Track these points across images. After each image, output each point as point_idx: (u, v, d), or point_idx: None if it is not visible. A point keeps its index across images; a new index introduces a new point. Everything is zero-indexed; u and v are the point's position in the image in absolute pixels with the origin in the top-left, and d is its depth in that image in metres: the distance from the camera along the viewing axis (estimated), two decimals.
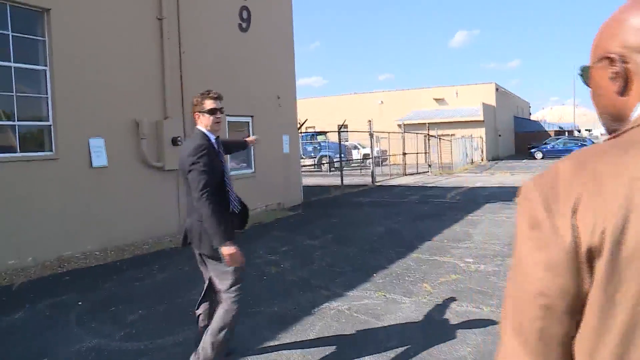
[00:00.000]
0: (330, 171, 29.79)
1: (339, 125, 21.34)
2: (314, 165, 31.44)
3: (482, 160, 40.02)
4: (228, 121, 11.97)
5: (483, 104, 42.19)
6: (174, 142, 10.18)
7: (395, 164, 27.92)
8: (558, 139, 45.41)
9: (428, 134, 29.47)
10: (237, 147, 4.99)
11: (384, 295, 6.12)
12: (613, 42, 1.04)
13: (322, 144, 33.33)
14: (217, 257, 3.81)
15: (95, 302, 6.08)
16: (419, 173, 27.48)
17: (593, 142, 39.77)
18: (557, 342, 0.94)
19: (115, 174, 9.21)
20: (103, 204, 8.97)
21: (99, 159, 8.94)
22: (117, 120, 9.35)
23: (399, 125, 34.85)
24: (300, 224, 11.41)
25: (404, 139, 27.19)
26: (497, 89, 47.01)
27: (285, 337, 4.87)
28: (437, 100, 46.07)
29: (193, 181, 3.73)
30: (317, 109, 44.25)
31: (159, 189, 10.15)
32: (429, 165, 28.89)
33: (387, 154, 28.50)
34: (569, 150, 39.49)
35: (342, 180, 19.74)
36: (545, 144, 44.32)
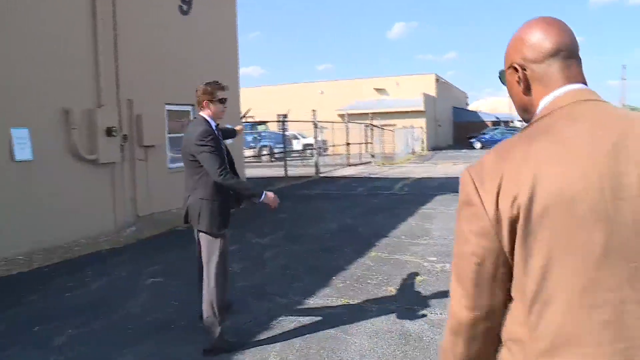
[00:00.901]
0: (271, 161, 29.04)
1: (279, 115, 20.69)
2: (254, 155, 30.64)
3: (422, 150, 40.17)
4: (168, 110, 11.12)
5: (424, 94, 42.36)
6: (109, 132, 9.28)
7: (336, 154, 27.46)
8: (496, 128, 46.18)
9: (371, 124, 29.17)
10: (229, 135, 5.23)
11: (348, 302, 5.58)
12: (517, 55, 1.38)
13: (262, 134, 32.56)
14: (213, 234, 4.24)
15: (14, 320, 5.22)
16: (362, 164, 27.14)
17: None
18: (487, 287, 1.26)
19: (42, 168, 8.25)
20: (28, 202, 8.02)
21: (23, 151, 7.99)
22: (44, 108, 8.36)
23: (341, 115, 34.50)
24: (246, 220, 10.72)
25: (347, 128, 26.79)
26: (437, 80, 47.35)
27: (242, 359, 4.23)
28: (378, 90, 45.94)
29: (206, 161, 4.08)
30: (256, 98, 43.29)
31: (93, 184, 9.24)
32: (372, 156, 28.62)
33: (328, 144, 28.02)
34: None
35: (285, 171, 19.13)
36: (484, 133, 45.04)
